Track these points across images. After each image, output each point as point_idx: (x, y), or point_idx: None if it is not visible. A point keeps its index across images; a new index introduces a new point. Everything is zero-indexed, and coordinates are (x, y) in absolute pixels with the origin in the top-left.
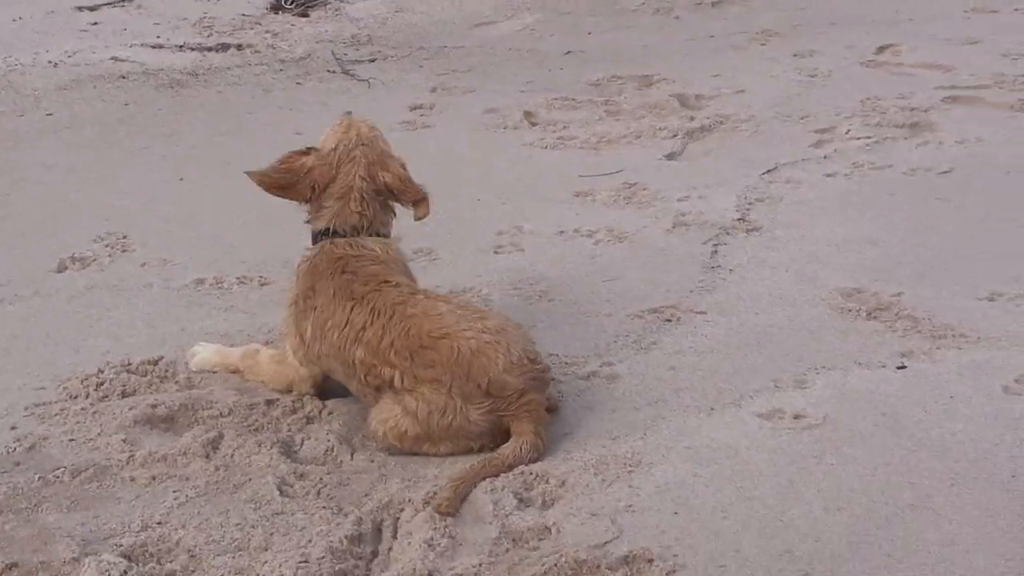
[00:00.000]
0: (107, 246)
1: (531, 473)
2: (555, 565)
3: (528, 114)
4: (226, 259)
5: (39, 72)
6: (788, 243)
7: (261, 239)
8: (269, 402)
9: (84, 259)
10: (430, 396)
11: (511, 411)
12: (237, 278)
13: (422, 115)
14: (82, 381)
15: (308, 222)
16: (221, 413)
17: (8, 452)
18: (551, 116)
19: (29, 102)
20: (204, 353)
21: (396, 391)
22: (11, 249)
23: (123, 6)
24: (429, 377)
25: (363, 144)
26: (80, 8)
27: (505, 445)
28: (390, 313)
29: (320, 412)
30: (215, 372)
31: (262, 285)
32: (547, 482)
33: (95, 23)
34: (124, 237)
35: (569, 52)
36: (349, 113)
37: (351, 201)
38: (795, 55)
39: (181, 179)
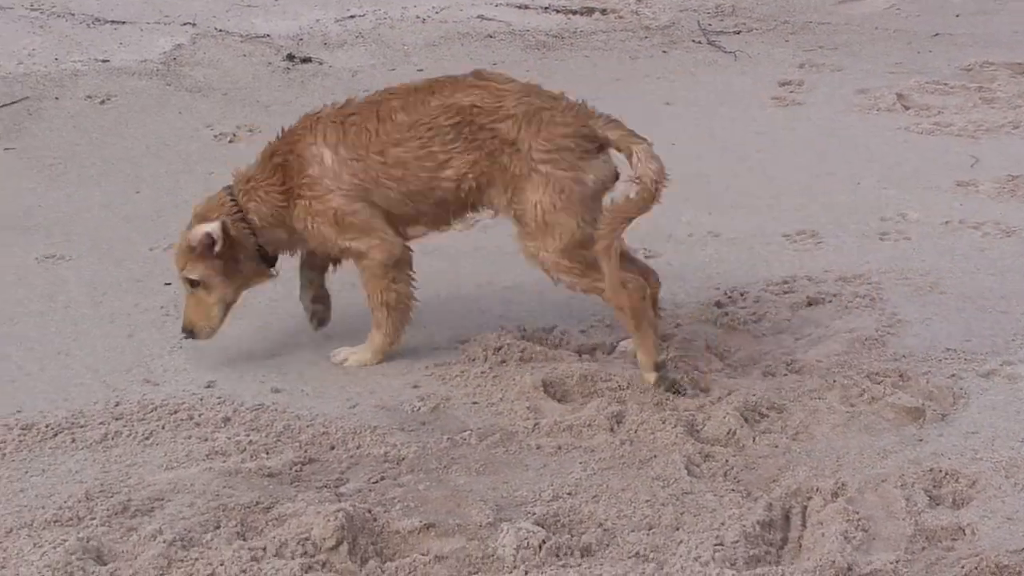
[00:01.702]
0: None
1: (940, 471)
2: (975, 568)
3: (901, 97)
4: None
5: (408, 27)
6: None
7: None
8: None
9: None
10: None
11: None
12: None
13: (791, 91)
14: (481, 345)
15: None
16: (620, 386)
17: (413, 411)
18: (924, 100)
19: (399, 56)
20: None
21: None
22: None
23: None
24: None
25: None
26: None
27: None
28: None
29: (722, 395)
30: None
31: (648, 257)
32: (957, 481)
33: None
34: None
35: (937, 34)
36: None
37: None
38: None
39: None
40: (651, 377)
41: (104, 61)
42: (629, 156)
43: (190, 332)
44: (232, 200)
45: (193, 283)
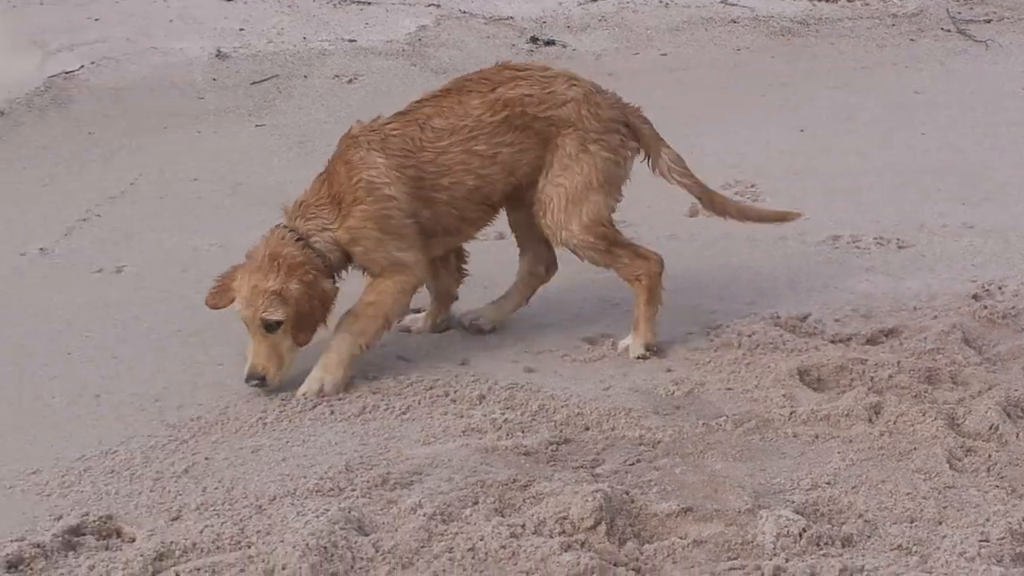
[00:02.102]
0: (737, 193)
1: None
2: None
3: None
4: (859, 216)
5: (650, 11)
6: None
7: (894, 198)
8: (930, 370)
9: None
10: None
11: None
12: (874, 238)
13: None
14: (734, 331)
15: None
16: (878, 377)
17: (668, 395)
18: None
19: (642, 41)
20: None
21: None
22: (641, 189)
23: None
24: None
25: None
26: None
27: None
28: None
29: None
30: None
31: (900, 248)
32: None
33: None
34: (752, 186)
35: None
36: None
37: None
38: None
39: (801, 130)
40: (637, 352)
41: (351, 41)
42: None
43: (261, 380)
44: (291, 231)
45: (271, 326)
